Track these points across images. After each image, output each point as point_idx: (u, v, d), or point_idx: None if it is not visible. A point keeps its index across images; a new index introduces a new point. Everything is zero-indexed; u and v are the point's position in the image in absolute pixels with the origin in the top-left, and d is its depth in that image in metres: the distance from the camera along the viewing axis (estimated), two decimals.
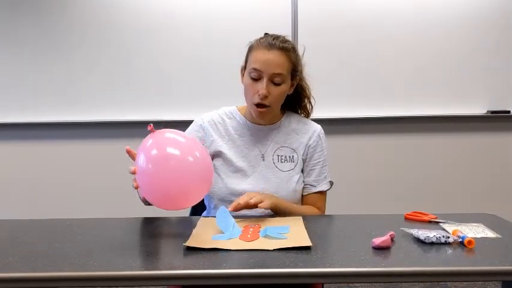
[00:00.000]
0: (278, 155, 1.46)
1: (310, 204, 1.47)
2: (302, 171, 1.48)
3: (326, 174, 1.50)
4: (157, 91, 2.80)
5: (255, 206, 1.26)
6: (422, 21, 2.79)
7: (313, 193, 1.47)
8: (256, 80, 1.37)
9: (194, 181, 1.12)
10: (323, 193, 1.49)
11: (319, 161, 1.48)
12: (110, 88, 2.81)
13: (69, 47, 2.79)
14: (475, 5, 2.78)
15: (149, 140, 1.13)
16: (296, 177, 1.45)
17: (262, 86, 1.35)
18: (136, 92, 2.80)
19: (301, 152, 1.47)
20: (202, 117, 1.50)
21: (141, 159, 1.11)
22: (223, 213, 1.17)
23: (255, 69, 1.36)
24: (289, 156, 1.46)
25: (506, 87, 2.84)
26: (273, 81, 1.36)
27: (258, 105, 1.38)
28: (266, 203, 1.28)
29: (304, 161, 1.48)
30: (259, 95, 1.36)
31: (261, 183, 1.42)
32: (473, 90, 2.83)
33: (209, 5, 2.76)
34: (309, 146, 1.48)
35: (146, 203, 1.27)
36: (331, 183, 1.51)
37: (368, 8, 2.77)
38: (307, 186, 1.48)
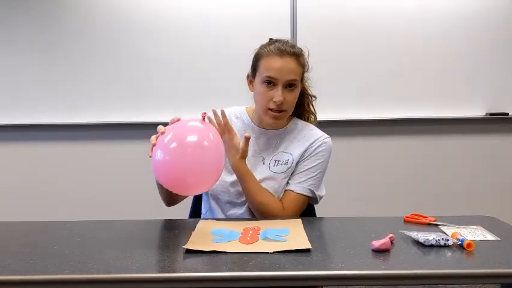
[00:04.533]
0: (276, 160, 1.45)
1: (281, 199, 1.42)
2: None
3: (308, 179, 1.42)
4: (156, 92, 2.80)
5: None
6: (421, 24, 2.79)
7: (286, 190, 1.43)
8: (270, 87, 1.37)
9: (210, 170, 1.16)
10: (295, 195, 1.42)
11: (307, 164, 1.43)
12: (107, 89, 2.80)
13: (67, 48, 2.78)
14: (474, 7, 2.79)
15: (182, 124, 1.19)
16: (284, 181, 1.43)
17: (278, 94, 1.35)
18: (134, 93, 2.80)
19: (298, 157, 1.44)
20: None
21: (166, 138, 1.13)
22: (217, 231, 1.18)
23: (269, 76, 1.36)
24: (285, 160, 1.45)
25: (505, 89, 2.84)
26: (287, 87, 1.37)
27: (273, 110, 1.37)
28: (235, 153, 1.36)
29: (297, 164, 1.45)
30: (275, 102, 1.36)
31: None
32: (472, 93, 2.84)
33: (208, 9, 2.75)
34: (307, 150, 1.45)
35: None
36: (312, 192, 1.43)
37: (368, 10, 2.77)
38: (287, 183, 1.45)
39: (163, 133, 1.14)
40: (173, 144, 1.12)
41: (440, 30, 2.79)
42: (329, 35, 2.77)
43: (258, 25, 2.70)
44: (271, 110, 1.38)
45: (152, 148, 1.14)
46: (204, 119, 1.18)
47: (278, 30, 2.66)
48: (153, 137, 1.17)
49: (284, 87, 1.36)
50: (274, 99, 1.36)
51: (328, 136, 1.48)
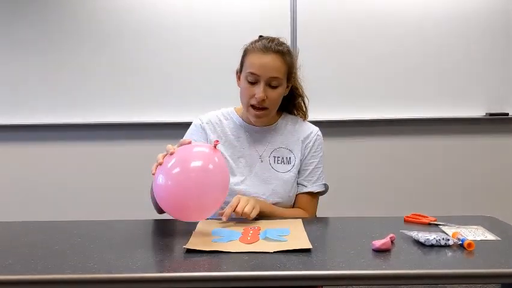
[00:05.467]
0: (275, 156, 1.46)
1: (300, 204, 1.46)
2: (299, 172, 1.48)
3: (319, 175, 1.48)
4: (157, 93, 2.80)
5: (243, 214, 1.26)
6: (420, 24, 2.79)
7: (303, 193, 1.46)
8: (252, 83, 1.37)
9: (212, 200, 1.15)
10: (313, 195, 1.47)
11: (313, 162, 1.47)
12: (108, 89, 2.80)
13: (69, 48, 2.78)
14: (474, 6, 2.79)
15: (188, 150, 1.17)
16: (293, 179, 1.45)
17: (259, 90, 1.36)
18: (135, 93, 2.80)
19: (299, 153, 1.47)
20: (200, 118, 1.51)
21: (170, 163, 1.12)
22: (217, 231, 1.18)
23: (251, 73, 1.36)
24: (286, 158, 1.46)
25: (505, 89, 2.84)
26: (269, 84, 1.37)
27: (255, 107, 1.38)
28: (254, 213, 1.28)
29: (301, 161, 1.47)
30: (256, 98, 1.36)
31: (257, 184, 1.42)
32: (472, 93, 2.84)
33: (208, 6, 2.76)
34: (305, 146, 1.48)
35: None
36: (325, 186, 1.49)
37: (367, 8, 2.77)
38: (299, 185, 1.47)
39: (172, 153, 1.13)
40: (177, 170, 1.11)
41: (440, 30, 2.79)
42: (329, 33, 2.77)
43: (258, 25, 2.70)
44: (253, 106, 1.39)
45: (157, 167, 1.13)
46: (215, 147, 1.17)
47: (278, 29, 2.66)
48: (160, 156, 1.15)
49: (266, 84, 1.37)
50: (255, 96, 1.36)
51: (317, 128, 1.53)
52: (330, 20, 2.77)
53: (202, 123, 1.49)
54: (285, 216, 1.36)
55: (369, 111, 2.81)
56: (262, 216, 1.32)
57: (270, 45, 1.37)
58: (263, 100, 1.37)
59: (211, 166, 1.13)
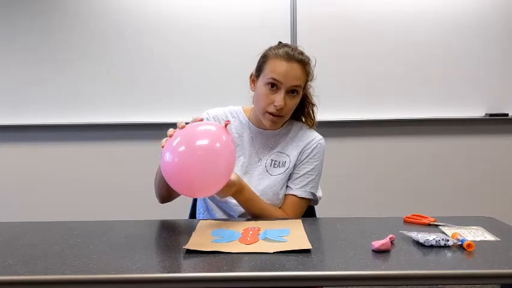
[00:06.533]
0: (272, 160, 1.46)
1: (282, 206, 1.44)
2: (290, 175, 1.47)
3: (309, 182, 1.45)
4: (158, 93, 2.80)
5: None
6: (422, 25, 2.79)
7: (288, 195, 1.45)
8: (272, 90, 1.37)
9: (219, 175, 1.15)
10: (298, 199, 1.44)
11: (306, 168, 1.45)
12: (108, 90, 2.80)
13: (70, 49, 2.78)
14: (474, 7, 2.79)
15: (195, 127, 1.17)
16: (282, 182, 1.44)
17: (279, 98, 1.35)
18: (136, 94, 2.80)
19: (295, 158, 1.46)
20: (208, 112, 1.51)
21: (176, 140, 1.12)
22: (217, 231, 1.18)
23: (274, 79, 1.36)
24: (282, 162, 1.46)
25: (505, 90, 2.85)
26: (289, 92, 1.37)
27: (272, 114, 1.38)
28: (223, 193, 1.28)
29: (295, 165, 1.46)
30: (275, 106, 1.36)
31: (251, 185, 1.42)
32: (472, 93, 2.84)
33: (208, 6, 2.76)
34: (303, 151, 1.46)
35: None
36: (313, 195, 1.46)
37: (367, 8, 2.78)
38: (287, 187, 1.46)
39: (183, 127, 1.15)
40: (183, 148, 1.11)
41: (440, 31, 2.80)
42: (329, 35, 2.77)
43: (258, 26, 2.70)
44: (269, 113, 1.39)
45: (167, 140, 1.15)
46: (226, 126, 1.18)
47: (278, 30, 2.67)
48: (170, 130, 1.17)
49: (286, 92, 1.37)
50: (275, 104, 1.36)
51: (322, 137, 1.50)
52: (330, 20, 2.77)
53: (209, 116, 1.49)
54: (266, 211, 1.37)
55: (369, 111, 2.82)
56: (239, 201, 1.36)
57: (293, 54, 1.37)
58: (281, 108, 1.37)
59: (218, 144, 1.13)
